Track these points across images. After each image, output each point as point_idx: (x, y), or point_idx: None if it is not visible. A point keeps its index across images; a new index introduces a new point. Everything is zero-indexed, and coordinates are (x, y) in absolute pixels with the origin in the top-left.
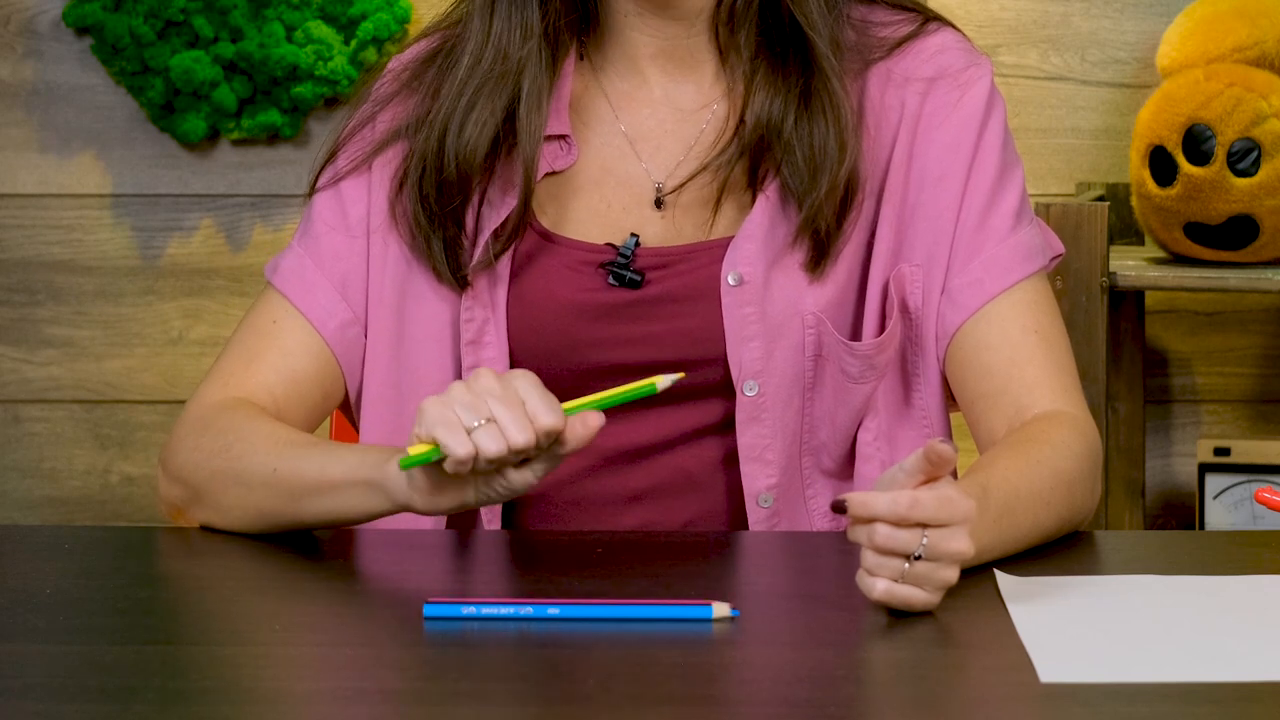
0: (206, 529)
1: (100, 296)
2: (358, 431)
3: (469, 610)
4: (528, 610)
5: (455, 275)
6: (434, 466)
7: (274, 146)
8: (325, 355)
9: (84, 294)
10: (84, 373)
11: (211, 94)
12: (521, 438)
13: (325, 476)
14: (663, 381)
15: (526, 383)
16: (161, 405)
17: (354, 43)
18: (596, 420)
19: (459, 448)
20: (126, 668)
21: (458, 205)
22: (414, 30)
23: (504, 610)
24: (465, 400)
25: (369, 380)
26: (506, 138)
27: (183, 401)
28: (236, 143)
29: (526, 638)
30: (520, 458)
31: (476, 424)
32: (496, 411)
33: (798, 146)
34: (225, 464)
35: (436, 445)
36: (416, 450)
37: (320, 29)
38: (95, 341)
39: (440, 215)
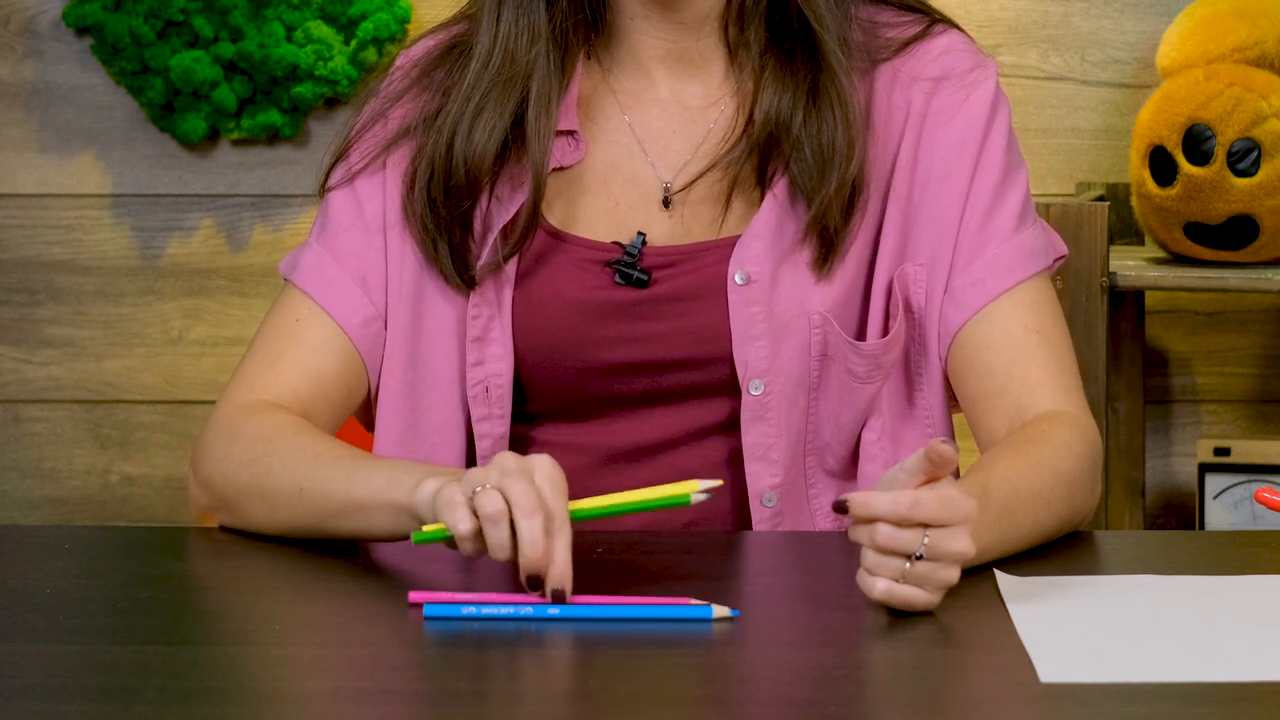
0: (209, 527)
1: (100, 296)
2: (367, 428)
3: (469, 610)
4: (528, 610)
5: (462, 276)
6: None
7: (274, 146)
8: (349, 352)
9: (84, 294)
10: (84, 373)
11: (211, 94)
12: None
13: (352, 498)
14: (698, 496)
15: (545, 479)
16: (161, 405)
17: (354, 43)
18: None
19: (461, 524)
20: (126, 668)
21: (467, 208)
22: (414, 30)
23: (504, 610)
24: (473, 477)
25: (386, 376)
26: (515, 138)
27: (183, 401)
28: (236, 143)
29: (526, 638)
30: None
31: (476, 490)
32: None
33: (806, 143)
34: (252, 479)
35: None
36: (429, 529)
37: (320, 29)
38: (95, 341)
39: (448, 219)
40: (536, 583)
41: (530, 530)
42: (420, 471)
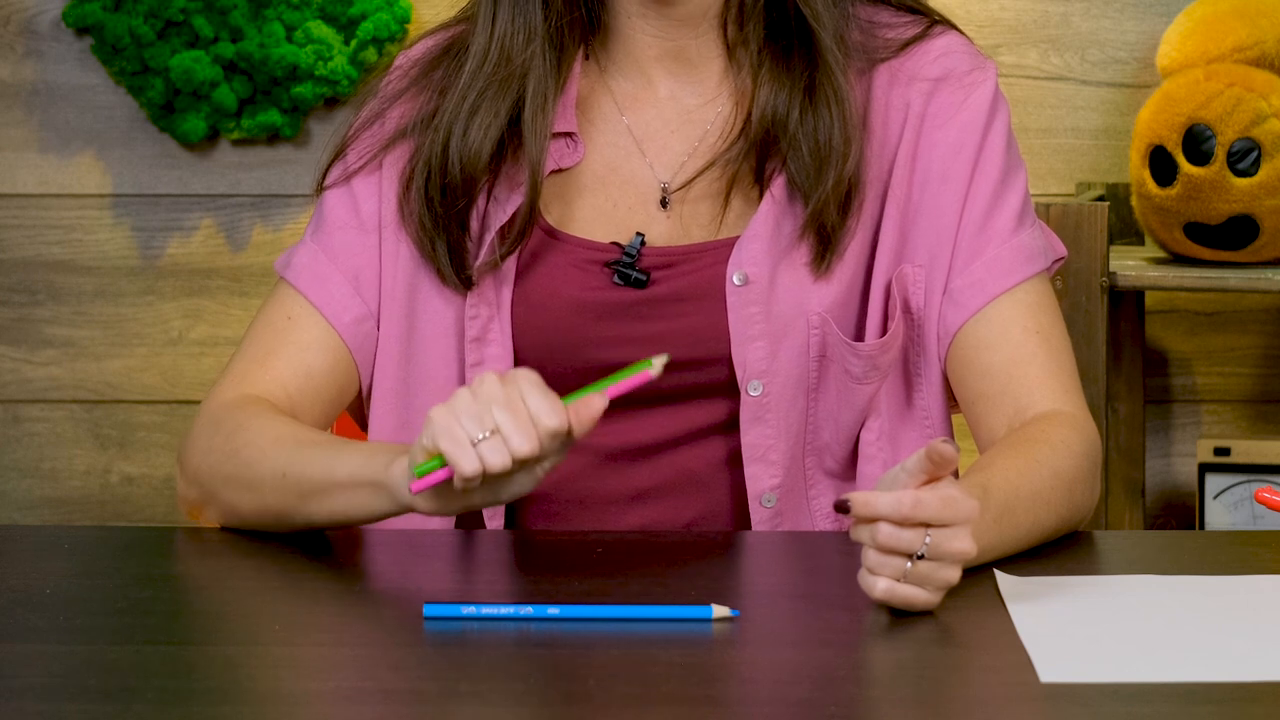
0: (209, 527)
1: (100, 296)
2: (363, 429)
3: (469, 610)
4: (528, 610)
5: (460, 276)
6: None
7: (274, 146)
8: (340, 350)
9: (84, 294)
10: (84, 373)
11: (211, 94)
12: (526, 447)
13: (331, 478)
14: (658, 361)
15: (529, 384)
16: (161, 405)
17: (354, 43)
18: (600, 403)
19: (466, 465)
20: (126, 668)
21: (463, 207)
22: (414, 30)
23: (504, 610)
24: (471, 410)
25: (379, 376)
26: (512, 138)
27: (183, 401)
28: (236, 143)
29: (526, 638)
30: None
31: (481, 436)
32: (501, 421)
33: (803, 141)
34: (235, 468)
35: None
36: (425, 463)
37: (320, 29)
38: (95, 341)
39: (445, 218)
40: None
41: (514, 422)
42: (396, 450)
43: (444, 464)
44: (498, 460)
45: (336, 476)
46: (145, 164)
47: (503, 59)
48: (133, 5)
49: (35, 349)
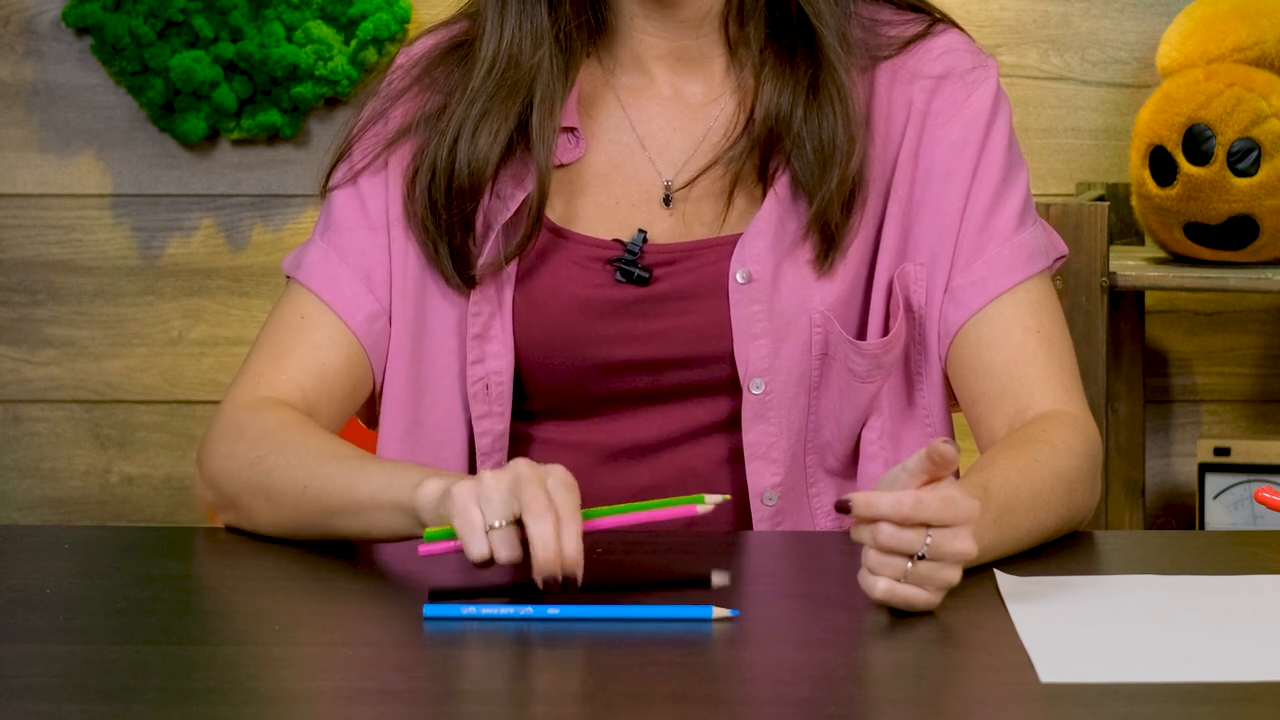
0: (209, 527)
1: (100, 296)
2: (369, 425)
3: (469, 610)
4: (528, 610)
5: (463, 276)
6: None
7: (274, 146)
8: (354, 348)
9: (84, 294)
10: (84, 373)
11: (211, 94)
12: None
13: (353, 497)
14: (711, 498)
15: (557, 482)
16: (161, 405)
17: (354, 43)
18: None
19: (476, 551)
20: (126, 668)
21: (469, 211)
22: (413, 30)
23: (504, 610)
24: (492, 497)
25: (390, 373)
26: (518, 137)
27: (183, 401)
28: (236, 143)
29: (526, 638)
30: None
31: (497, 524)
32: (533, 529)
33: (807, 139)
34: (256, 477)
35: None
36: (438, 530)
37: (320, 29)
38: (95, 341)
39: (449, 221)
40: (553, 584)
41: (542, 533)
42: (422, 472)
43: (456, 537)
44: (506, 553)
45: (357, 496)
46: (145, 164)
47: (511, 65)
48: (133, 5)
49: (35, 349)
